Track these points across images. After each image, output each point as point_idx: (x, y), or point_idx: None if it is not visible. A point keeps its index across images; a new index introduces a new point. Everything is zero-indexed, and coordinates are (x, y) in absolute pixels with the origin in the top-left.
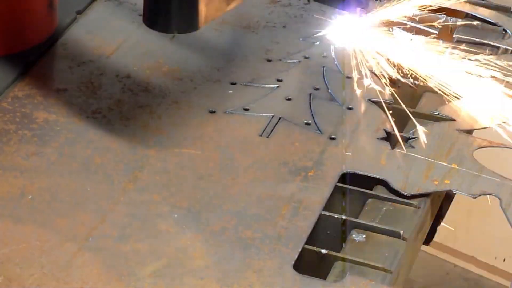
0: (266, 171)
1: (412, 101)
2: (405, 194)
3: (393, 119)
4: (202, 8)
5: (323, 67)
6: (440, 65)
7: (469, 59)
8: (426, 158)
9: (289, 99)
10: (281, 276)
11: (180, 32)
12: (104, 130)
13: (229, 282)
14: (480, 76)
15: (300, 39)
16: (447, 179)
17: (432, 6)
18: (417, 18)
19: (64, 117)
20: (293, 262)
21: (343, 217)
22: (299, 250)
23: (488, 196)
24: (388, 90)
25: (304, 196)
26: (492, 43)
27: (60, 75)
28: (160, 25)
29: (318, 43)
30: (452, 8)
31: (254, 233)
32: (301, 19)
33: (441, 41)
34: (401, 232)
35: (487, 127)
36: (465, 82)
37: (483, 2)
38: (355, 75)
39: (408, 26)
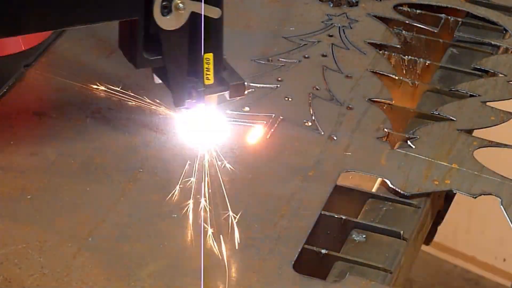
0: (266, 171)
1: (412, 100)
2: (405, 194)
3: (393, 119)
4: None
5: (323, 67)
6: None
7: None
8: (426, 158)
9: (289, 99)
10: (281, 276)
11: None
12: (104, 130)
13: (229, 282)
14: None
15: (301, 39)
16: (447, 179)
17: None
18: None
19: (64, 117)
20: (293, 262)
21: (343, 217)
22: (299, 250)
23: (488, 195)
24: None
25: (304, 196)
26: (492, 42)
27: (60, 75)
28: None
29: (318, 42)
30: (453, 7)
31: (254, 233)
32: (301, 19)
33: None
34: (401, 232)
35: (487, 127)
36: None
37: (484, 1)
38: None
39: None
